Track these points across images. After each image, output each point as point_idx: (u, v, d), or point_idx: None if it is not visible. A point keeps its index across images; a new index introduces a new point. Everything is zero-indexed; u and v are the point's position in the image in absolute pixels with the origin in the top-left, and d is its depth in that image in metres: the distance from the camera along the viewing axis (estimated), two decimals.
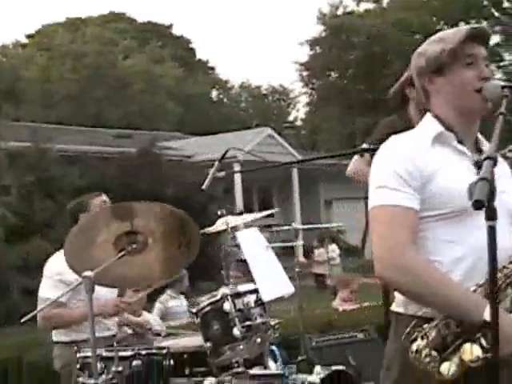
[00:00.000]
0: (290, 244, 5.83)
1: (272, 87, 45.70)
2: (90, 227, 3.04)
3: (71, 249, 2.96)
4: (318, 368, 3.73)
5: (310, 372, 3.74)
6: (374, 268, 1.85)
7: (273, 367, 3.44)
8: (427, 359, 1.77)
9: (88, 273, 2.66)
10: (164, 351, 3.19)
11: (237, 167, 14.38)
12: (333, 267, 13.97)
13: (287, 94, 44.63)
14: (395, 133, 1.99)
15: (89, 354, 2.98)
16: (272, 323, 3.26)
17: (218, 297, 3.20)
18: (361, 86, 28.23)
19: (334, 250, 14.50)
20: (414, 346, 1.80)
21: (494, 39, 27.93)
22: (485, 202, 1.47)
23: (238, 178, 16.58)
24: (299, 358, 4.51)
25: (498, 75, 26.21)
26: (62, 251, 3.09)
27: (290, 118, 45.38)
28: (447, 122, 1.96)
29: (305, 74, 31.35)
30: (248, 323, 3.14)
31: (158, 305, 6.44)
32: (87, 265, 2.78)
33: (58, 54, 30.52)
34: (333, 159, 10.86)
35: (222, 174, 3.45)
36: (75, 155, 14.42)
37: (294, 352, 4.53)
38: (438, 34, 2.02)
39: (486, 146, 1.99)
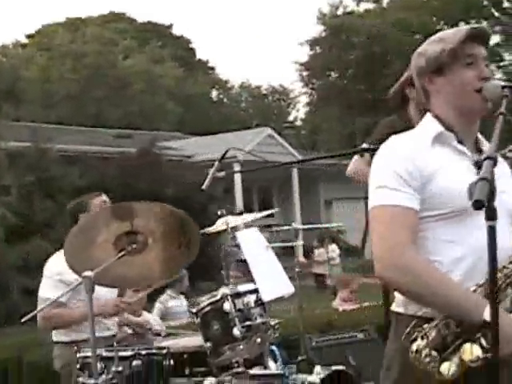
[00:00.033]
0: (290, 244, 5.83)
1: (272, 87, 45.77)
2: (89, 227, 3.04)
3: (71, 249, 2.97)
4: (317, 368, 3.74)
5: (310, 372, 3.74)
6: (373, 268, 1.85)
7: (273, 367, 3.44)
8: (427, 359, 1.77)
9: (88, 273, 2.66)
10: (164, 351, 3.19)
11: (237, 167, 14.37)
12: (333, 267, 13.96)
13: (287, 94, 44.65)
14: (395, 133, 1.99)
15: (89, 353, 2.98)
16: (272, 323, 3.25)
17: (218, 297, 3.20)
18: (361, 86, 28.24)
19: (333, 250, 14.50)
20: (414, 346, 1.80)
21: (494, 39, 27.99)
22: (485, 201, 1.47)
23: (238, 178, 16.58)
24: (299, 358, 4.50)
25: (498, 75, 26.22)
26: (61, 251, 3.10)
27: (290, 118, 45.41)
28: (447, 122, 1.96)
29: (305, 74, 31.37)
30: (248, 323, 3.14)
31: (158, 305, 6.44)
32: (87, 265, 2.78)
33: (58, 53, 30.52)
34: (333, 159, 10.85)
35: (222, 174, 3.44)
36: (75, 155, 14.41)
37: (293, 352, 4.53)
38: (438, 34, 2.02)
39: (486, 146, 1.99)
